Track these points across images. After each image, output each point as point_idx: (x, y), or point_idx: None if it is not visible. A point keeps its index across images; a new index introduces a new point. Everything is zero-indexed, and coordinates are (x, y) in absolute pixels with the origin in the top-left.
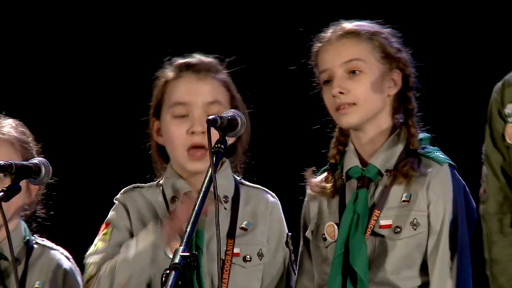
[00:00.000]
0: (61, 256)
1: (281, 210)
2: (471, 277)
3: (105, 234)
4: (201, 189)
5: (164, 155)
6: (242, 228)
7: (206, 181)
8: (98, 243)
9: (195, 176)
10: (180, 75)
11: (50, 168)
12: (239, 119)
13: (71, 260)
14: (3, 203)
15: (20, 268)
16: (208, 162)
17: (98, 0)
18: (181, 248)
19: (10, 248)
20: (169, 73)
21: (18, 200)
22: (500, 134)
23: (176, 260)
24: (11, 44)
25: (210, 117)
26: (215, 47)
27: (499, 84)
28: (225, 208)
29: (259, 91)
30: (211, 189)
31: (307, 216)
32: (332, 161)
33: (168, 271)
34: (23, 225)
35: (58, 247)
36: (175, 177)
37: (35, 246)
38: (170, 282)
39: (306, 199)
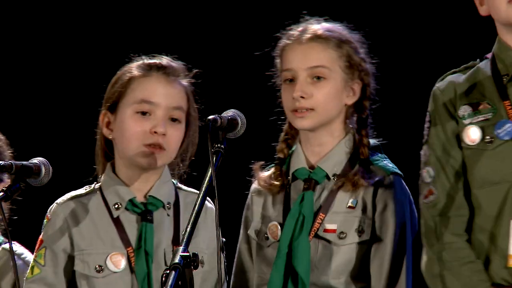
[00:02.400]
0: (20, 261)
1: (216, 215)
2: (411, 285)
3: (39, 256)
4: (201, 189)
5: (106, 154)
6: None
7: (206, 181)
8: (34, 267)
9: (137, 180)
10: (149, 74)
11: (50, 168)
12: (239, 119)
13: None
14: None
15: None
16: (162, 162)
17: (66, 3)
18: (181, 248)
19: (10, 248)
20: (135, 70)
21: None
22: (453, 135)
23: (176, 260)
24: None
25: (210, 117)
26: (167, 42)
27: (440, 85)
28: (168, 215)
29: (208, 84)
30: None
31: (250, 212)
32: (281, 155)
33: (168, 271)
34: None
35: (23, 251)
36: (116, 181)
37: None
38: (170, 282)
39: (250, 194)
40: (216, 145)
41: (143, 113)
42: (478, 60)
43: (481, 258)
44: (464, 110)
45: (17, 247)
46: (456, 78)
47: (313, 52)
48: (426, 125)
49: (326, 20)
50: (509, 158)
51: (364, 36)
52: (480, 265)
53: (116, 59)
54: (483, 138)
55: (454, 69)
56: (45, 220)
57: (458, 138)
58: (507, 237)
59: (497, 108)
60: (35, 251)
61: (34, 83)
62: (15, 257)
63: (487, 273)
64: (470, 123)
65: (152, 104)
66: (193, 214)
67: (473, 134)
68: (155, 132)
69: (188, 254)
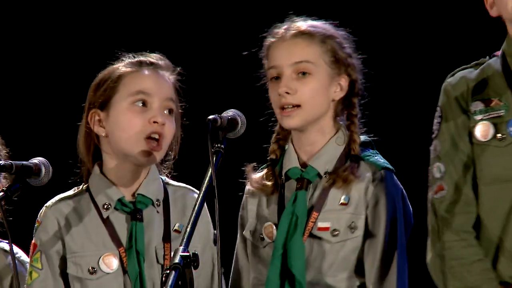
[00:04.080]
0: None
1: (207, 209)
2: (407, 280)
3: (36, 261)
4: (201, 189)
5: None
6: (175, 231)
7: (206, 181)
8: (32, 273)
9: (125, 179)
10: (140, 69)
11: (50, 168)
12: (239, 119)
13: (27, 265)
14: None
15: None
16: (159, 157)
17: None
18: (181, 248)
19: (10, 248)
20: (124, 67)
21: None
22: (464, 130)
23: (176, 260)
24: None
25: (210, 116)
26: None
27: (452, 80)
28: (157, 212)
29: (199, 85)
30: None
31: (245, 214)
32: (273, 156)
33: (168, 271)
34: None
35: (17, 251)
36: (104, 181)
37: None
38: (170, 282)
39: (245, 195)
40: (216, 145)
41: (141, 104)
42: (487, 57)
43: (489, 255)
44: (476, 106)
45: (21, 253)
46: (468, 74)
47: (297, 47)
48: (437, 120)
49: (312, 19)
50: None
51: (358, 32)
52: (488, 263)
53: (106, 59)
54: (495, 135)
55: (465, 66)
56: (36, 224)
57: (470, 134)
58: None
59: (509, 105)
60: (29, 256)
61: (33, 83)
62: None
63: (494, 271)
64: (482, 119)
65: (148, 95)
66: (193, 214)
67: (485, 130)
68: (154, 122)
69: (188, 254)
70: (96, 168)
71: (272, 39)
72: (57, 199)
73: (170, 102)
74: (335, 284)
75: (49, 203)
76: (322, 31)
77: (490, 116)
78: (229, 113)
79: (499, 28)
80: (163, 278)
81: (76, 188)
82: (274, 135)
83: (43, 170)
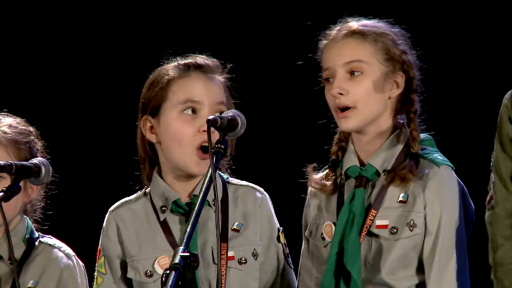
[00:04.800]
0: (61, 254)
1: (271, 205)
2: (468, 279)
3: (100, 266)
4: (201, 190)
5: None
6: (234, 230)
7: (206, 181)
8: (97, 277)
9: (182, 181)
10: (187, 74)
11: (50, 168)
12: (239, 119)
13: (73, 257)
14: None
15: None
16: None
17: (98, 1)
18: (181, 248)
19: (10, 249)
20: (172, 72)
21: (16, 200)
22: (509, 139)
23: (176, 260)
24: (15, 44)
25: (210, 117)
26: (209, 45)
27: (508, 94)
28: (214, 211)
29: (258, 87)
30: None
31: (308, 214)
32: (334, 157)
33: (168, 271)
34: (26, 223)
35: (62, 245)
36: (162, 184)
37: (36, 244)
38: (170, 282)
39: (307, 196)
40: (216, 145)
41: (192, 111)
42: None
43: None
44: None
45: (55, 241)
46: None
47: (348, 47)
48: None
49: (366, 18)
50: None
51: (428, 28)
52: None
53: (123, 61)
54: None
55: None
56: (102, 230)
57: None
58: None
59: None
60: (96, 261)
61: (44, 84)
62: (56, 250)
63: None
64: None
65: (196, 102)
66: (193, 215)
67: None
68: (204, 131)
69: (188, 254)
70: (156, 172)
71: (325, 41)
72: (118, 204)
73: (220, 106)
74: (394, 282)
75: (111, 208)
76: (373, 29)
77: None
78: (229, 113)
79: None
80: (163, 278)
81: (139, 192)
82: (336, 136)
83: (43, 170)
